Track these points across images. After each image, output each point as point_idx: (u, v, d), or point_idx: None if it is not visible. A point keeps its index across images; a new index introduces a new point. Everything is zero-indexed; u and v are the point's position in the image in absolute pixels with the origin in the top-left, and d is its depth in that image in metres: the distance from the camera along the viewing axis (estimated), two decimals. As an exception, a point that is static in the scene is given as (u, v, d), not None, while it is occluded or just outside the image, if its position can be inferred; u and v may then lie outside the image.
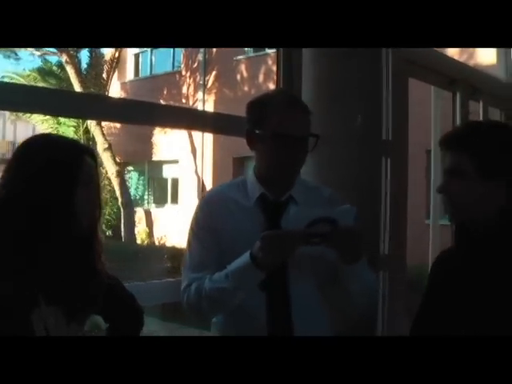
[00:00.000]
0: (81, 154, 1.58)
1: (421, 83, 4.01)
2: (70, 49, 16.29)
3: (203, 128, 3.89)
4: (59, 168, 1.52)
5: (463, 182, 1.69)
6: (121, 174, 16.85)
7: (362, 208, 2.54)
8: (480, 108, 4.40)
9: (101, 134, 16.39)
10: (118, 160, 17.31)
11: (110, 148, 16.45)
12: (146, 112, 2.49)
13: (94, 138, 16.76)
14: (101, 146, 16.35)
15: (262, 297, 1.85)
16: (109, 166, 16.62)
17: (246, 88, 16.06)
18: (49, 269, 1.51)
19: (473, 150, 1.68)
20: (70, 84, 16.50)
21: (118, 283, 1.82)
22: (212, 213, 1.95)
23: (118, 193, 16.90)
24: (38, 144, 1.58)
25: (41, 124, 17.07)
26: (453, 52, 6.00)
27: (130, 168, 19.69)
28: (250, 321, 1.86)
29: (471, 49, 10.13)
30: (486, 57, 8.82)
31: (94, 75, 17.43)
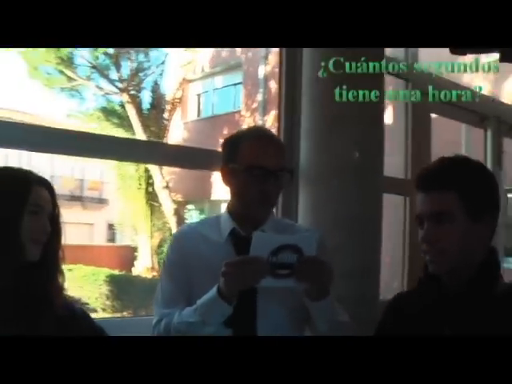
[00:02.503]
0: (28, 185, 1.60)
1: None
2: (131, 89, 16.71)
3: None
4: (3, 197, 1.55)
5: (452, 226, 1.50)
6: (178, 213, 16.99)
7: (359, 250, 2.44)
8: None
9: (160, 173, 16.63)
10: (179, 198, 17.51)
11: (167, 187, 16.67)
12: (203, 157, 2.74)
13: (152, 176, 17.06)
14: (159, 184, 16.61)
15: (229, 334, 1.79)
16: (166, 205, 16.82)
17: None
18: None
19: (462, 189, 1.50)
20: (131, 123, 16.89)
21: (81, 316, 1.77)
22: (183, 249, 1.94)
23: (174, 231, 17.00)
24: None
25: (104, 163, 17.45)
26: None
27: (191, 206, 19.89)
28: None
29: (503, 84, 9.75)
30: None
31: (155, 114, 17.80)
